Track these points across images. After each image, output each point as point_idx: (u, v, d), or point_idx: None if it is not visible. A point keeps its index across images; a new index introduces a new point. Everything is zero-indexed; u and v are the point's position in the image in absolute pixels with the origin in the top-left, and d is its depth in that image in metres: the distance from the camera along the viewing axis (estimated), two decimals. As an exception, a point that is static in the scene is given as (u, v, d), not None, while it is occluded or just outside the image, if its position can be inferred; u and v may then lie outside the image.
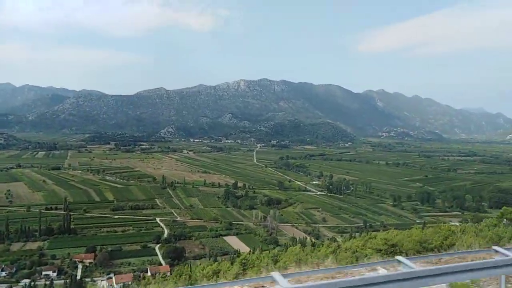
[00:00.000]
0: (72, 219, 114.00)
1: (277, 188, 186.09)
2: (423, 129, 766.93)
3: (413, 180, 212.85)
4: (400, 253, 14.07)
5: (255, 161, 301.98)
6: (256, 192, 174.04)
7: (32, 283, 74.78)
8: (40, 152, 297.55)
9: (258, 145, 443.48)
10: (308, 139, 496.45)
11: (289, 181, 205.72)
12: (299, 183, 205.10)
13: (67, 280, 73.61)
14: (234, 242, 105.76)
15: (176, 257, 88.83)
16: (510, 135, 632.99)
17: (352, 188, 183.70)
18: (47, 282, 76.02)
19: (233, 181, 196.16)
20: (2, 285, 72.92)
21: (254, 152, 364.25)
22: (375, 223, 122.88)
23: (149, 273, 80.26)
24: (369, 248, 16.98)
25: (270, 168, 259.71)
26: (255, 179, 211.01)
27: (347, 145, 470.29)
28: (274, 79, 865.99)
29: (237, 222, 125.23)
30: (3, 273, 78.40)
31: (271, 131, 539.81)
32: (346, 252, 15.48)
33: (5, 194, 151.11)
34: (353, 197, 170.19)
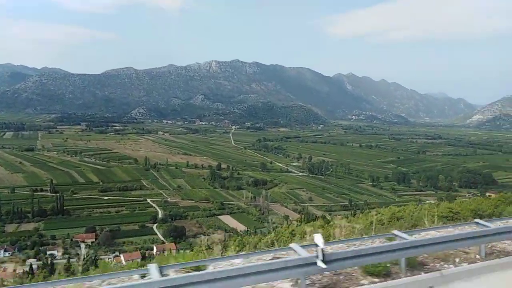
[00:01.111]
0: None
1: (260, 169, 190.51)
2: (390, 112, 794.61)
3: (386, 161, 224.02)
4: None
5: (233, 143, 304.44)
6: (240, 174, 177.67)
7: (39, 262, 75.31)
8: (7, 133, 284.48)
9: (233, 127, 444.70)
10: (282, 122, 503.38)
11: (270, 163, 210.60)
12: (280, 164, 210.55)
13: (75, 259, 74.74)
14: (229, 221, 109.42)
15: (177, 236, 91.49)
16: (470, 119, 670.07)
17: (331, 169, 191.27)
18: (54, 261, 76.85)
19: (215, 163, 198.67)
20: (9, 265, 72.89)
21: (231, 134, 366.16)
22: (359, 202, 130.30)
23: (154, 251, 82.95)
24: (435, 215, 20.39)
25: (249, 150, 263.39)
26: (236, 161, 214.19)
27: (319, 127, 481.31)
28: (246, 60, 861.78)
29: (228, 202, 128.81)
30: (7, 254, 78.06)
31: (245, 113, 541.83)
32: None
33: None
34: (334, 177, 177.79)
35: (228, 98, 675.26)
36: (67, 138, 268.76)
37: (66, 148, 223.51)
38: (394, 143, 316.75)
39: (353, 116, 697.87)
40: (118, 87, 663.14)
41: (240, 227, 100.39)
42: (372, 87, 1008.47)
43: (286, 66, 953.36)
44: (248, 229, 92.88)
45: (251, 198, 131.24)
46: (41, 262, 75.89)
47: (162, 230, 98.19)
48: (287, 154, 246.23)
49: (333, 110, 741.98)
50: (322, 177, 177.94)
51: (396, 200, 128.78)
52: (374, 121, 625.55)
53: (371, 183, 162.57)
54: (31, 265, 64.19)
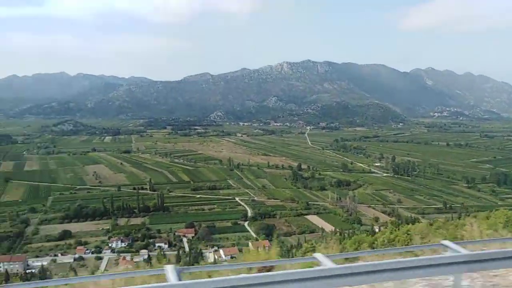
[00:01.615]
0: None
1: (341, 170, 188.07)
2: (479, 107, 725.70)
3: (481, 161, 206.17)
4: None
5: (309, 143, 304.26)
6: (321, 174, 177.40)
7: (150, 253, 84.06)
8: (107, 137, 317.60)
9: (308, 127, 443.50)
10: (357, 121, 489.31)
11: (351, 163, 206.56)
12: (361, 165, 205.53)
13: (179, 251, 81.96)
14: (316, 221, 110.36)
15: (268, 233, 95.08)
16: None
17: (418, 170, 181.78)
18: (162, 253, 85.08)
19: (295, 163, 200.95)
20: (127, 254, 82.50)
21: (306, 135, 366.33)
22: (454, 204, 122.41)
23: (250, 247, 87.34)
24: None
25: (327, 151, 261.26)
26: (315, 161, 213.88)
27: (399, 126, 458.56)
28: (317, 60, 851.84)
29: (313, 203, 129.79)
30: (123, 244, 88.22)
31: (318, 113, 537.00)
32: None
33: (93, 175, 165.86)
34: (422, 178, 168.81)
35: (300, 98, 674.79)
36: (156, 141, 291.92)
37: (157, 150, 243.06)
38: (487, 141, 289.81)
39: (436, 113, 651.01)
40: (196, 92, 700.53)
41: (329, 228, 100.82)
42: (456, 81, 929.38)
43: (359, 64, 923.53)
44: (338, 230, 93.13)
45: (336, 199, 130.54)
46: (152, 253, 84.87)
47: (254, 227, 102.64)
48: (367, 154, 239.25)
49: (412, 108, 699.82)
50: (409, 178, 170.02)
51: (499, 203, 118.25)
52: (460, 118, 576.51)
53: (466, 185, 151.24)
54: (149, 256, 72.08)
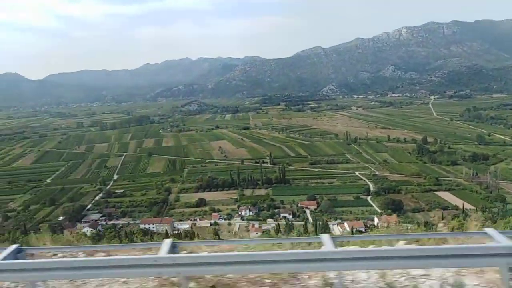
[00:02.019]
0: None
1: (476, 143, 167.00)
2: None
3: None
4: None
5: (434, 114, 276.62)
6: (451, 148, 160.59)
7: (276, 222, 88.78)
8: (227, 115, 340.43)
9: (431, 97, 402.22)
10: (494, 87, 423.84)
11: (489, 135, 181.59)
12: (501, 136, 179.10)
13: (306, 222, 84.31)
14: (448, 197, 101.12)
15: (395, 209, 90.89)
16: None
17: None
18: (290, 223, 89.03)
19: (419, 136, 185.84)
20: (255, 222, 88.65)
21: (430, 105, 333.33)
22: None
23: (375, 222, 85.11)
24: None
25: (456, 121, 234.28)
26: (443, 134, 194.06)
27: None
28: (443, 21, 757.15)
29: (443, 178, 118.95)
30: (251, 213, 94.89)
31: (444, 81, 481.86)
32: None
33: (219, 150, 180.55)
34: None
35: (422, 65, 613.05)
36: (272, 117, 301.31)
37: (273, 126, 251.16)
38: None
39: None
40: (308, 67, 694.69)
41: (464, 205, 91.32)
42: None
43: (496, 20, 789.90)
44: (477, 208, 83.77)
45: (472, 174, 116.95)
46: (277, 223, 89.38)
47: (378, 202, 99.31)
48: (509, 124, 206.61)
49: None
50: None
51: None
52: None
53: None
54: (278, 224, 76.19)
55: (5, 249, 5.70)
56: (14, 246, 5.80)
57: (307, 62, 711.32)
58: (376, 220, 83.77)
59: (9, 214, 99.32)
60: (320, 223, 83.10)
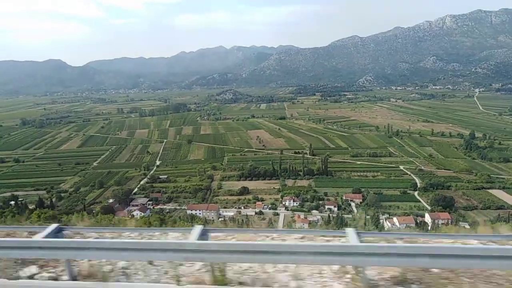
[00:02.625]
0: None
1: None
2: None
3: None
4: None
5: (481, 108, 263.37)
6: (502, 144, 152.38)
7: (321, 214, 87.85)
8: (262, 105, 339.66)
9: (476, 90, 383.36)
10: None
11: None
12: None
13: (353, 216, 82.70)
14: (503, 196, 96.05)
15: (446, 206, 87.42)
16: None
17: None
18: (331, 215, 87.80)
19: (465, 131, 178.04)
20: (300, 213, 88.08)
21: (475, 98, 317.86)
22: None
23: (427, 218, 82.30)
24: None
25: (506, 116, 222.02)
26: (492, 129, 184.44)
27: None
28: (491, 9, 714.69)
29: (495, 176, 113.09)
30: (295, 203, 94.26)
31: (491, 73, 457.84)
32: None
33: (257, 139, 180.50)
34: None
35: (466, 57, 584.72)
36: (308, 108, 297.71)
37: (309, 117, 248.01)
38: None
39: None
40: (344, 56, 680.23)
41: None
42: None
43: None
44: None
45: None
46: (323, 214, 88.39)
47: (426, 198, 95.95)
48: None
49: None
50: None
51: None
52: None
53: None
54: (329, 216, 75.18)
55: (47, 227, 6.13)
56: (54, 225, 6.16)
57: (343, 51, 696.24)
58: (427, 216, 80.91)
59: (62, 195, 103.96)
60: (368, 216, 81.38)
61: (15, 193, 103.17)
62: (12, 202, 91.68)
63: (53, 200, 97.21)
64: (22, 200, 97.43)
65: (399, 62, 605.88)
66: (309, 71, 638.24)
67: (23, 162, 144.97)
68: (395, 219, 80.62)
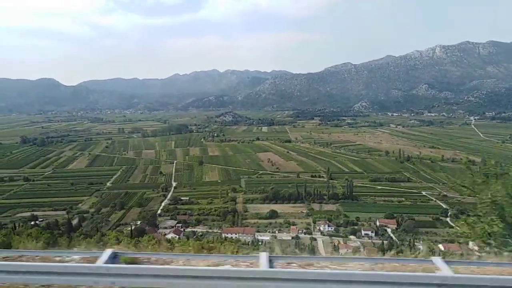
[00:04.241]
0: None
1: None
2: None
3: None
4: None
5: (481, 136, 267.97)
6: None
7: (358, 239, 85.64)
8: (263, 127, 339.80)
9: (471, 117, 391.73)
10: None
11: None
12: None
13: (386, 241, 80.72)
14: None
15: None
16: None
17: None
18: (369, 240, 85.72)
19: (473, 158, 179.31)
20: (338, 238, 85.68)
21: (473, 126, 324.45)
22: None
23: (471, 245, 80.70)
24: None
25: (509, 144, 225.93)
26: (500, 156, 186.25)
27: None
28: (479, 41, 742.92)
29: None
30: (330, 228, 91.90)
31: (483, 102, 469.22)
32: None
33: (269, 162, 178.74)
34: None
35: (456, 85, 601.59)
36: (310, 131, 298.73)
37: (315, 141, 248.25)
38: None
39: None
40: (338, 82, 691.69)
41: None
42: None
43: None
44: None
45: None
46: (362, 240, 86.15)
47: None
48: None
49: None
50: None
51: None
52: None
53: None
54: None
55: (102, 252, 5.98)
56: (110, 251, 5.99)
57: (337, 77, 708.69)
58: (471, 243, 79.18)
59: (84, 215, 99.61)
60: (418, 243, 79.36)
61: (34, 213, 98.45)
62: (33, 222, 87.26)
63: (77, 222, 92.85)
64: (42, 220, 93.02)
65: (392, 89, 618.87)
66: (304, 95, 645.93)
67: (33, 181, 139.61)
68: (440, 246, 78.87)
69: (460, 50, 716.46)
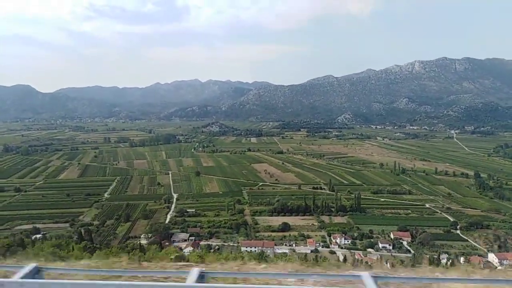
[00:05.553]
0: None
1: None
2: None
3: None
4: None
5: (466, 149, 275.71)
6: (508, 184, 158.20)
7: (376, 252, 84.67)
8: (252, 138, 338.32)
9: (452, 131, 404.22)
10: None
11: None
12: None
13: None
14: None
15: (500, 246, 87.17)
16: None
17: None
18: (388, 253, 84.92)
19: (465, 171, 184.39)
20: (357, 251, 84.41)
21: (455, 139, 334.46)
22: None
23: (490, 258, 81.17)
24: None
25: (495, 158, 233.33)
26: (490, 169, 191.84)
27: None
28: (455, 57, 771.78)
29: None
30: (346, 241, 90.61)
31: (462, 116, 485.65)
32: None
33: (266, 173, 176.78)
34: None
35: (435, 100, 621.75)
36: (300, 143, 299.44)
37: (307, 152, 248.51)
38: None
39: None
40: (321, 94, 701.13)
41: None
42: None
43: (507, 59, 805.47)
44: None
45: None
46: (381, 253, 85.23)
47: (472, 237, 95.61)
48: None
49: None
50: None
51: None
52: None
53: None
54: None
55: (187, 272, 5.70)
56: (196, 270, 5.68)
57: (320, 90, 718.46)
58: (492, 256, 79.84)
59: (89, 228, 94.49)
60: (443, 256, 79.07)
61: (35, 225, 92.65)
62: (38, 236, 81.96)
63: (88, 235, 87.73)
64: (46, 233, 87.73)
65: (373, 102, 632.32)
66: (288, 107, 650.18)
67: (25, 191, 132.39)
68: (461, 260, 78.96)
69: (438, 66, 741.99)
